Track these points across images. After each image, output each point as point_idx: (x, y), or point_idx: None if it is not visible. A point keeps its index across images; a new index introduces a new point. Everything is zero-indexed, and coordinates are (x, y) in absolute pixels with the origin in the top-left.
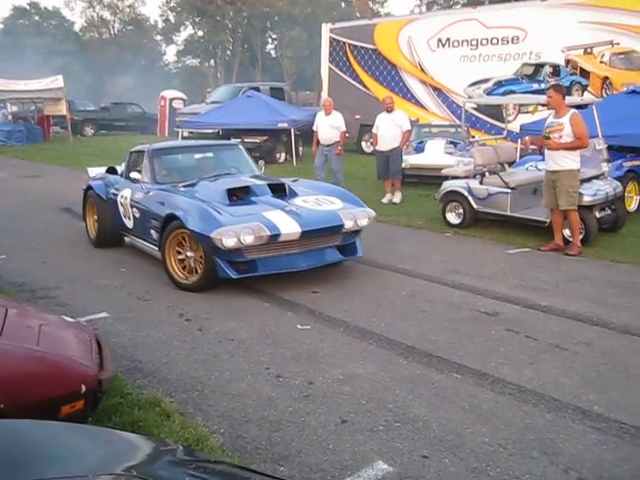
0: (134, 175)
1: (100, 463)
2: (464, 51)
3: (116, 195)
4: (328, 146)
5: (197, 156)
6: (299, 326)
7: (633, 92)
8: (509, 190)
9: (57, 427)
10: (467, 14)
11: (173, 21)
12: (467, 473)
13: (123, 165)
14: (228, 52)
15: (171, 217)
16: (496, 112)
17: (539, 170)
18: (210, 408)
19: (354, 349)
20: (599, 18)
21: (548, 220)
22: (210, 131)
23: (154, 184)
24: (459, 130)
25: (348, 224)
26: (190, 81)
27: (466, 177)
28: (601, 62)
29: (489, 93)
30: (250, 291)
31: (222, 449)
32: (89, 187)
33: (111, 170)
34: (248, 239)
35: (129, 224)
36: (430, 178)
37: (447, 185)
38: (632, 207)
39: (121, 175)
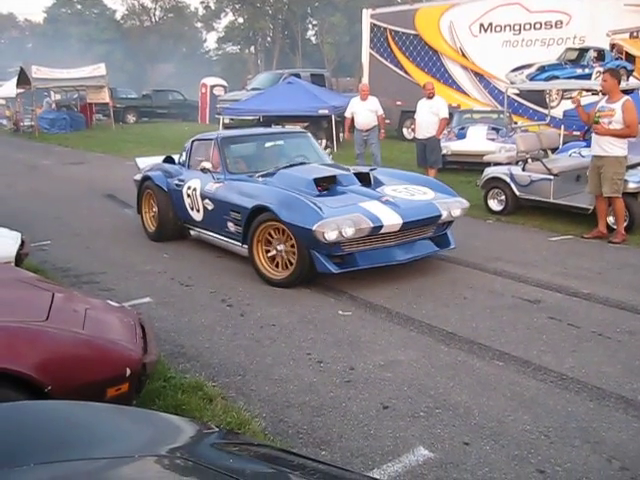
0: (205, 165)
1: (145, 444)
2: (506, 36)
3: (181, 186)
4: (367, 131)
5: (267, 144)
6: (340, 312)
7: None
8: (552, 177)
9: (103, 408)
10: None
11: (213, 8)
12: (508, 460)
13: (183, 154)
14: (268, 39)
15: (260, 209)
16: (539, 98)
17: (582, 157)
18: (252, 392)
19: (395, 335)
20: None
21: (591, 207)
22: (251, 118)
23: (227, 174)
24: (501, 116)
25: (444, 215)
26: (230, 68)
27: (508, 163)
28: None
29: (532, 78)
30: None
31: (264, 433)
32: (146, 178)
33: (168, 160)
34: (349, 231)
35: (197, 217)
36: (472, 164)
37: (489, 171)
38: None
39: (181, 164)
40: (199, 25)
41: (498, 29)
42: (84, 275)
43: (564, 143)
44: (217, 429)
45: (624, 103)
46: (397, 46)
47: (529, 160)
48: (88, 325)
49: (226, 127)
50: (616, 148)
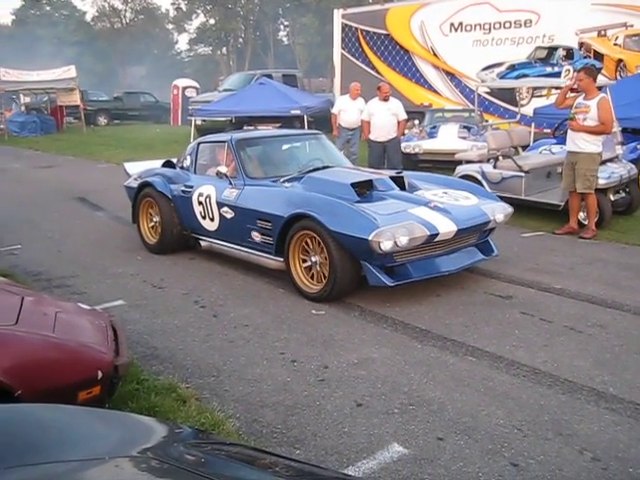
0: (221, 169)
1: (116, 446)
2: (477, 35)
3: (189, 193)
4: (352, 130)
5: (284, 147)
6: (314, 311)
7: None
8: (523, 174)
9: (74, 411)
10: None
11: (185, 9)
12: (482, 455)
13: (187, 158)
14: (240, 40)
15: (298, 217)
16: (510, 96)
17: (553, 154)
18: (226, 393)
19: (369, 333)
20: (613, 0)
21: (562, 203)
22: (223, 119)
23: (247, 179)
24: (472, 114)
25: (492, 220)
26: (202, 69)
27: (480, 161)
28: (615, 44)
29: (502, 77)
30: (264, 277)
31: (238, 433)
32: (145, 184)
33: (167, 164)
34: (404, 240)
35: (211, 226)
36: (444, 163)
37: (461, 169)
38: None
39: (184, 169)
40: (170, 27)
41: (468, 28)
42: (56, 279)
43: (534, 140)
44: (190, 429)
45: (599, 101)
46: (368, 46)
47: (500, 158)
48: (59, 328)
49: (198, 129)
50: (590, 145)
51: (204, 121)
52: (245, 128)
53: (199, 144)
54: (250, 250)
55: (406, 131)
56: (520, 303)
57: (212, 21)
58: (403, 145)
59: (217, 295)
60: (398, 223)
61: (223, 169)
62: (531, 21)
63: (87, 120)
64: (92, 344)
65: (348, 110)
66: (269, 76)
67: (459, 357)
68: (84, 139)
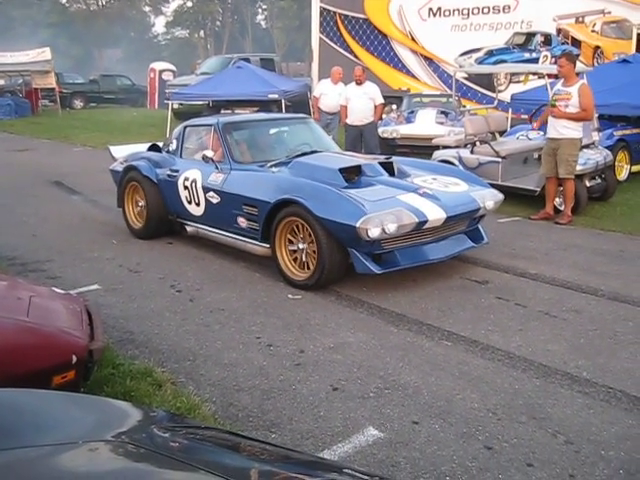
0: (207, 153)
1: (91, 430)
2: (455, 20)
3: (174, 177)
4: (332, 114)
5: (272, 131)
6: (290, 296)
7: (624, 61)
8: (500, 159)
9: (48, 395)
10: None
11: None
12: (456, 438)
13: (173, 142)
14: (218, 23)
15: (285, 203)
16: (487, 82)
17: (530, 139)
18: (202, 377)
19: (345, 318)
20: None
21: (538, 189)
22: (200, 103)
23: (233, 164)
24: (450, 100)
25: (482, 207)
26: (180, 53)
27: (457, 147)
28: (592, 31)
29: (480, 62)
30: (241, 261)
31: (214, 417)
32: (130, 168)
33: (153, 148)
34: (392, 227)
35: (197, 211)
36: (421, 148)
37: (438, 155)
38: (622, 176)
39: (170, 153)
40: (147, 9)
41: (447, 13)
42: (30, 263)
43: (512, 126)
44: (165, 413)
45: (580, 87)
46: (347, 30)
47: (477, 143)
48: (33, 313)
49: (175, 112)
50: (571, 130)
51: (181, 105)
52: (222, 112)
53: (185, 127)
54: (236, 236)
55: (384, 116)
56: (496, 288)
57: (189, 4)
58: (380, 130)
59: (193, 279)
60: (386, 210)
61: (209, 153)
62: (509, 7)
63: (63, 103)
64: (67, 328)
65: (329, 94)
66: (247, 60)
67: (434, 341)
68: (60, 122)
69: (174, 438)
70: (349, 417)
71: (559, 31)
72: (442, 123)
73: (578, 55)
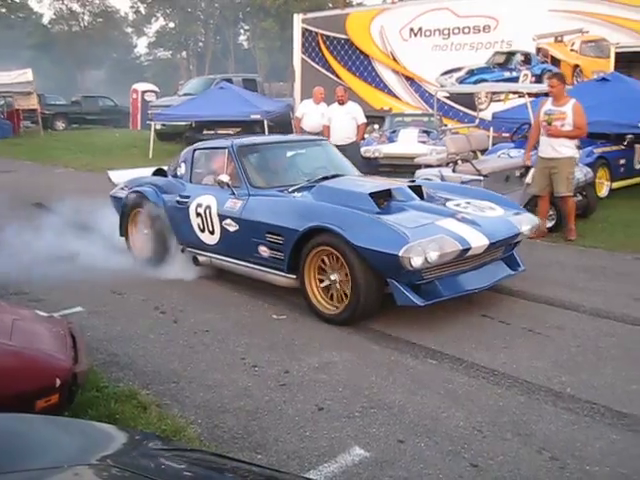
0: (223, 178)
1: (75, 454)
2: (436, 40)
3: (185, 204)
4: (315, 134)
5: (289, 153)
6: (275, 316)
7: (603, 79)
8: (482, 177)
9: (32, 419)
10: (438, 3)
11: (144, 13)
12: (442, 456)
13: (182, 166)
14: (200, 44)
15: (315, 230)
16: (469, 101)
17: (511, 157)
18: (187, 399)
19: (330, 337)
20: (569, 6)
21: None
22: (183, 123)
23: (251, 189)
24: (432, 119)
25: (520, 233)
26: (162, 73)
27: (439, 165)
28: (571, 50)
29: (461, 82)
30: (225, 282)
31: (199, 439)
32: (136, 194)
33: (158, 173)
34: (434, 256)
35: (210, 240)
36: (403, 167)
37: (420, 174)
38: (603, 193)
39: (177, 177)
40: (129, 30)
41: (428, 33)
42: (12, 286)
43: (493, 144)
44: (150, 436)
45: (574, 106)
46: (329, 51)
47: (459, 162)
48: (16, 336)
49: (158, 133)
50: (569, 149)
51: (164, 125)
52: (205, 133)
53: (194, 150)
54: (256, 266)
55: (366, 135)
56: (480, 306)
57: (172, 24)
58: (363, 149)
59: (177, 301)
60: (427, 237)
61: (225, 178)
62: (490, 26)
63: (45, 124)
64: (50, 351)
65: (311, 114)
66: (229, 80)
67: (419, 360)
68: (42, 143)
69: (159, 461)
70: (335, 437)
71: (539, 50)
72: (424, 142)
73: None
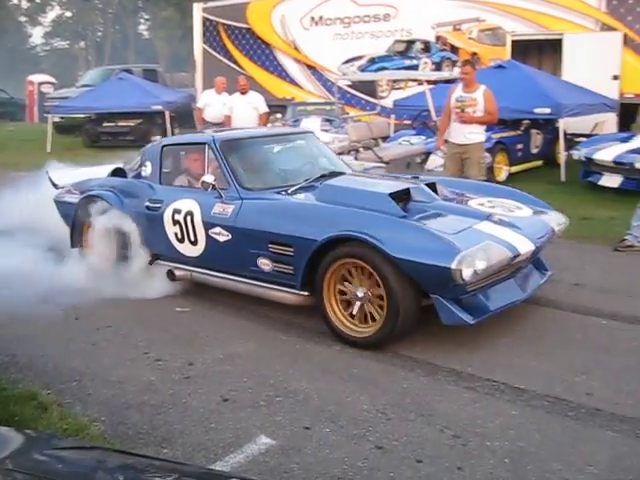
0: (207, 179)
1: None
2: (337, 29)
3: (157, 209)
4: (217, 125)
5: (276, 148)
6: (178, 309)
7: (500, 67)
8: (383, 164)
9: None
10: None
11: (39, 1)
12: (347, 440)
13: (147, 165)
14: (99, 33)
15: (338, 240)
16: (370, 89)
17: (412, 144)
18: (89, 397)
19: (234, 329)
20: None
21: None
22: (82, 116)
23: (242, 191)
24: (334, 107)
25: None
26: (59, 64)
27: (341, 153)
28: (469, 38)
29: (363, 70)
30: None
31: (103, 437)
32: (91, 198)
33: (117, 173)
34: (482, 266)
35: (192, 251)
36: None
37: None
38: (502, 177)
39: (142, 178)
40: (23, 19)
41: (329, 22)
42: None
43: (395, 132)
44: (49, 436)
45: (485, 92)
46: (230, 40)
47: (361, 149)
48: None
49: (56, 126)
50: (479, 135)
51: (62, 118)
52: (105, 125)
53: (163, 147)
54: (253, 281)
55: (269, 125)
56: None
57: (69, 13)
58: None
59: (76, 297)
60: (475, 245)
61: (209, 178)
62: (389, 15)
63: None
64: None
65: (213, 105)
66: (129, 71)
67: (324, 347)
68: None
69: (58, 460)
70: (240, 427)
71: (438, 38)
72: (327, 130)
73: (456, 61)
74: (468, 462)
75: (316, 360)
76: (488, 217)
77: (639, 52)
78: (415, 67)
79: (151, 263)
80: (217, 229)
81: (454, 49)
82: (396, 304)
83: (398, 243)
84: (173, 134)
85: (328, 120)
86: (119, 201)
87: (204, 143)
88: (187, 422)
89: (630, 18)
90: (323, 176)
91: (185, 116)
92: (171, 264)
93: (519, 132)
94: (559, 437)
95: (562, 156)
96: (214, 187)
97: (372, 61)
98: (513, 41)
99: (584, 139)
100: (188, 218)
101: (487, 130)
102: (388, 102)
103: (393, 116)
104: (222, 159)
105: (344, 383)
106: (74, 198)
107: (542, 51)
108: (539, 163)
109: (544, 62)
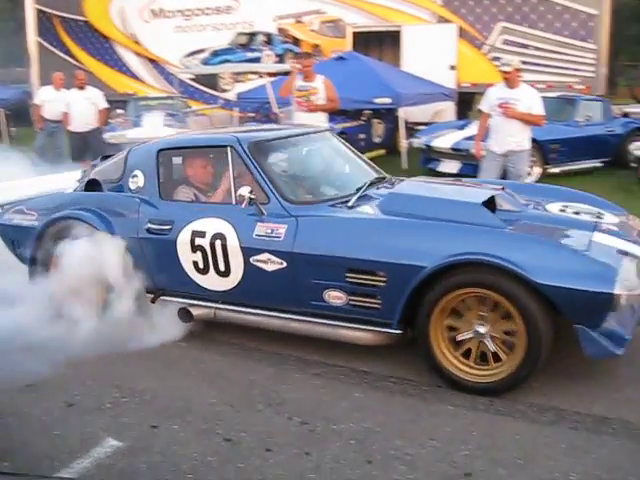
0: (243, 192)
1: None
2: (178, 22)
3: (167, 232)
4: (56, 122)
5: (304, 151)
6: None
7: (340, 58)
8: None
9: None
10: None
11: None
12: (196, 435)
13: (137, 175)
14: None
15: (458, 265)
16: (213, 82)
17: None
18: None
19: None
20: None
21: None
22: None
23: (289, 206)
24: (176, 101)
25: None
26: None
27: None
28: (311, 30)
29: (206, 63)
30: None
31: None
32: (63, 219)
33: (92, 187)
34: (637, 287)
35: (221, 284)
36: None
37: None
38: None
39: (133, 191)
40: None
41: (169, 15)
42: None
43: (241, 124)
44: None
45: (324, 81)
46: (66, 33)
47: None
48: None
49: None
50: (322, 124)
51: None
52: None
53: (159, 152)
54: (315, 319)
55: (110, 121)
56: None
57: None
58: (107, 135)
59: None
60: (617, 263)
61: (245, 190)
62: (231, 7)
63: None
64: None
65: (52, 101)
66: None
67: (170, 344)
68: None
69: None
70: (86, 431)
71: (280, 31)
72: (170, 125)
73: (298, 53)
74: (316, 447)
75: (162, 358)
76: (595, 227)
77: (474, 43)
78: (258, 59)
79: (154, 301)
80: (264, 256)
81: (296, 41)
82: (538, 339)
83: (542, 267)
84: (9, 133)
85: (171, 115)
86: (106, 223)
87: (225, 145)
88: (29, 431)
89: (464, 11)
90: (372, 183)
91: (22, 113)
92: (186, 301)
93: (361, 122)
94: (402, 415)
95: (403, 144)
96: (254, 202)
97: (215, 54)
98: (354, 33)
99: (424, 127)
100: (217, 243)
101: (330, 121)
102: (232, 95)
103: (237, 109)
104: (255, 165)
105: (192, 379)
106: (32, 221)
107: (383, 43)
108: (382, 152)
109: (385, 53)
